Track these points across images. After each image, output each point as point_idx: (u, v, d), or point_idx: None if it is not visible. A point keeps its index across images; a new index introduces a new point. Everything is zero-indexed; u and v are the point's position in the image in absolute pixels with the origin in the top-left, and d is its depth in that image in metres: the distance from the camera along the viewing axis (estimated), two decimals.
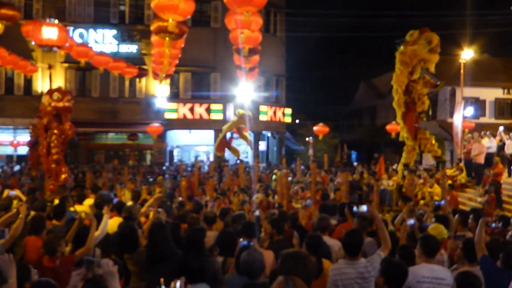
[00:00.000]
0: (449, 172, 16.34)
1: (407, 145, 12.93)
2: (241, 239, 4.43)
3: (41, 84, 24.36)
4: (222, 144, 18.90)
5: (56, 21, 8.36)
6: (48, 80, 24.74)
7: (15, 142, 24.22)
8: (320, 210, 6.82)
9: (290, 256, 2.89)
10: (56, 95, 11.69)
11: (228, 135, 19.03)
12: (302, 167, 20.78)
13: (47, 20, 8.20)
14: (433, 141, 13.07)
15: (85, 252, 4.91)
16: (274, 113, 28.77)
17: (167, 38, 8.93)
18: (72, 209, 6.67)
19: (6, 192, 9.42)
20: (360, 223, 5.24)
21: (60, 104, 11.69)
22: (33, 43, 8.23)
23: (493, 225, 4.28)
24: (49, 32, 8.04)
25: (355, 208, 5.18)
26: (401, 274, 3.44)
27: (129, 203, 7.48)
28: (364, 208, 5.14)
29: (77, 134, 24.91)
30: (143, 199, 8.28)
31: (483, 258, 4.07)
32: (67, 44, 9.45)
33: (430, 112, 28.68)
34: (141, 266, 4.43)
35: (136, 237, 4.73)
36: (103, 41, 25.35)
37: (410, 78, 12.42)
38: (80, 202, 7.92)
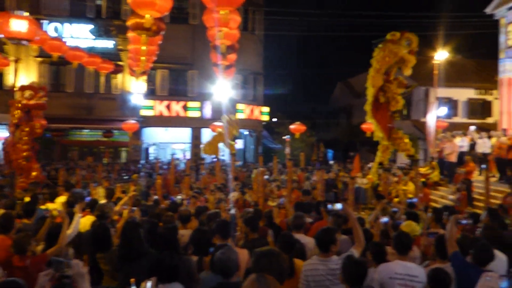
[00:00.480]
0: (422, 170, 16.63)
1: (382, 145, 13.21)
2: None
3: (13, 78, 23.74)
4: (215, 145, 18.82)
5: (26, 14, 8.13)
6: (22, 75, 24.17)
7: None
8: (296, 208, 6.85)
9: (263, 254, 2.89)
10: (28, 93, 11.42)
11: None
12: (279, 165, 20.86)
13: (16, 12, 7.96)
14: (406, 140, 13.44)
15: (57, 251, 4.82)
16: (252, 111, 28.78)
17: (143, 35, 8.83)
18: (43, 207, 6.54)
19: None
20: (335, 221, 5.29)
21: (32, 102, 11.44)
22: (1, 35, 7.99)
23: (464, 221, 4.37)
24: (18, 24, 7.81)
25: (330, 206, 5.22)
26: (360, 273, 3.49)
27: (103, 201, 7.37)
28: (339, 206, 5.18)
29: (50, 130, 24.54)
30: (117, 197, 8.18)
31: (454, 254, 4.15)
32: (38, 38, 9.20)
33: (405, 112, 29.16)
34: (113, 266, 4.37)
35: (109, 236, 4.66)
36: (78, 35, 24.87)
37: (386, 78, 12.64)
38: (52, 200, 7.76)
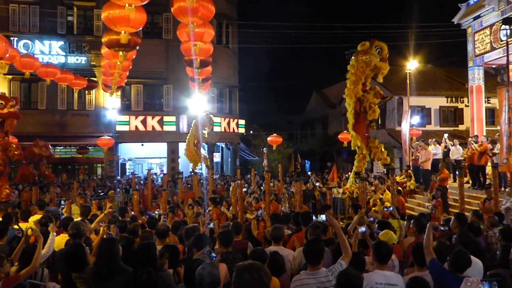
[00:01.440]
0: (398, 178, 16.86)
1: (358, 154, 13.32)
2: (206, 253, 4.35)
3: None
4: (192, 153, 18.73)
5: None
6: None
7: None
8: (272, 219, 6.81)
9: (245, 269, 2.85)
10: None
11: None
12: (257, 177, 20.83)
13: None
14: (382, 149, 13.62)
15: (31, 271, 4.69)
16: (228, 124, 28.77)
17: (120, 52, 8.76)
18: (16, 226, 6.35)
19: None
20: (313, 232, 5.28)
21: (5, 111, 11.22)
22: None
23: (441, 228, 4.42)
24: None
25: (314, 218, 5.19)
26: (357, 285, 3.45)
27: (78, 218, 7.21)
28: (322, 217, 5.17)
29: (22, 148, 23.98)
30: (92, 214, 8.01)
31: (431, 262, 4.18)
32: (8, 55, 9.04)
33: (380, 121, 29.62)
34: (89, 285, 4.25)
35: (84, 255, 4.53)
36: (50, 52, 24.53)
37: (363, 88, 12.81)
38: (25, 219, 7.55)
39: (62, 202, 11.17)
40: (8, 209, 8.80)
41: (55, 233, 5.28)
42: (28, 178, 17.66)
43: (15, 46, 21.43)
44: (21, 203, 14.27)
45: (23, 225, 6.90)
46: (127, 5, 6.28)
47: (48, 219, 6.63)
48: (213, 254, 4.26)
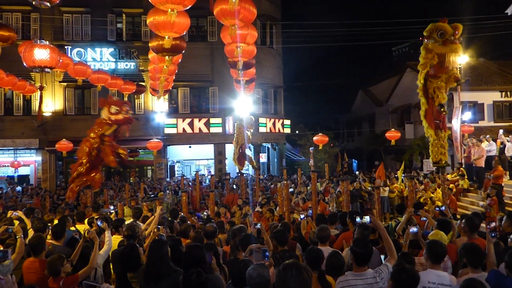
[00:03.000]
0: (450, 177, 16.32)
1: (431, 143, 12.32)
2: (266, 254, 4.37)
3: (39, 104, 24.44)
4: (240, 157, 18.91)
5: (47, 42, 8.40)
6: (48, 100, 24.87)
7: (15, 162, 24.21)
8: (317, 220, 6.78)
9: (286, 267, 2.87)
10: (114, 108, 11.63)
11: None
12: (304, 177, 20.76)
13: (38, 41, 8.23)
14: (443, 145, 12.31)
15: (88, 271, 4.90)
16: (274, 124, 28.81)
17: (167, 57, 8.98)
18: (73, 228, 6.64)
19: (10, 213, 9.50)
20: (361, 233, 5.22)
21: (120, 116, 11.64)
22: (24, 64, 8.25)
23: (492, 234, 4.25)
24: (41, 53, 8.07)
25: (358, 219, 5.13)
26: (412, 281, 3.39)
27: (129, 220, 7.46)
28: (367, 219, 5.10)
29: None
30: (144, 216, 8.27)
31: (491, 272, 4.06)
32: (60, 63, 9.47)
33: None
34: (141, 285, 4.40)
35: (138, 255, 4.69)
36: (101, 59, 25.48)
37: (429, 74, 11.91)
38: (81, 220, 7.89)
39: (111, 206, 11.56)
40: (66, 212, 9.25)
41: (110, 234, 5.49)
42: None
43: (69, 55, 22.43)
44: (78, 206, 14.92)
45: (79, 227, 7.22)
46: (169, 10, 6.43)
47: (104, 220, 6.92)
48: (267, 253, 4.25)
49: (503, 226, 5.90)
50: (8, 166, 25.41)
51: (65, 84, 25.01)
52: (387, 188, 15.58)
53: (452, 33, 10.42)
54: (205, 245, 4.96)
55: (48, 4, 7.09)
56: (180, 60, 11.98)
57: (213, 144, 27.23)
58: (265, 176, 25.71)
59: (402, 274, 3.37)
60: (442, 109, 11.03)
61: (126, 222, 6.67)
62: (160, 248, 4.30)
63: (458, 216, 7.80)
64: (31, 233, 6.21)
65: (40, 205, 16.31)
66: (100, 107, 12.77)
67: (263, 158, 30.84)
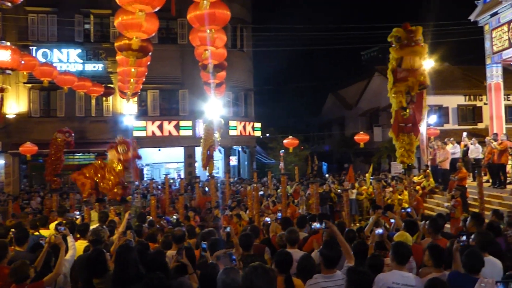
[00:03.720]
0: (416, 179, 16.68)
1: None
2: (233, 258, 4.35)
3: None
4: (207, 160, 18.79)
5: (9, 43, 8.17)
6: (12, 101, 24.15)
7: None
8: (283, 223, 6.81)
9: (252, 270, 2.86)
10: (121, 148, 11.59)
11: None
12: (274, 180, 20.83)
13: (0, 42, 8.00)
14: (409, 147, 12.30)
15: (54, 277, 4.78)
16: (244, 127, 28.83)
17: (131, 58, 8.88)
18: (36, 233, 6.45)
19: None
20: (330, 235, 5.27)
21: (129, 155, 11.60)
22: None
23: (459, 239, 4.37)
24: (2, 54, 7.85)
25: (317, 226, 5.18)
26: (366, 283, 3.47)
27: (95, 225, 7.30)
28: (321, 225, 5.17)
29: (42, 155, 24.41)
30: (110, 220, 8.12)
31: (451, 273, 4.18)
32: (22, 65, 9.23)
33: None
34: None
35: (105, 261, 4.60)
36: (68, 60, 24.93)
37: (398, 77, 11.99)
38: (45, 225, 7.68)
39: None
40: (29, 216, 8.99)
41: (73, 240, 5.35)
42: (52, 185, 18.05)
43: (34, 55, 21.86)
44: (43, 210, 14.53)
45: (44, 232, 7.03)
46: (138, 11, 6.36)
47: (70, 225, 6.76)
48: (234, 257, 4.25)
49: (468, 227, 6.07)
50: None
51: (30, 85, 24.33)
52: (354, 191, 15.81)
53: (406, 36, 10.61)
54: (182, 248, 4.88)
55: (9, 4, 6.90)
56: (149, 62, 11.86)
57: (183, 147, 27.02)
58: (235, 179, 25.67)
59: (354, 275, 3.46)
60: (402, 112, 11.21)
61: (92, 227, 6.52)
62: (127, 253, 4.22)
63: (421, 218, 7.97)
64: None
65: (20, 210, 15.90)
66: (106, 152, 12.73)
67: (233, 161, 30.80)
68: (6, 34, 23.16)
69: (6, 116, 22.75)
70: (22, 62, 8.79)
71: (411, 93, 10.67)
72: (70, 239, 5.39)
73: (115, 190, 11.89)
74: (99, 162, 12.44)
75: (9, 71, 8.23)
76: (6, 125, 23.62)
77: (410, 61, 10.72)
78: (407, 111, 10.72)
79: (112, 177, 11.84)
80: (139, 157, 12.09)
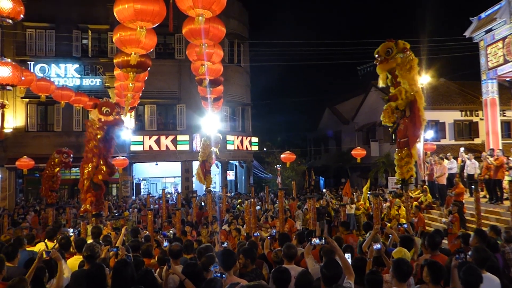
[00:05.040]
0: (413, 194, 16.67)
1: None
2: (213, 269, 4.33)
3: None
4: (204, 174, 18.75)
5: (9, 60, 8.20)
6: (9, 116, 24.13)
7: None
8: (280, 240, 6.75)
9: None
10: (105, 109, 11.34)
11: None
12: (271, 195, 20.78)
13: (1, 59, 8.03)
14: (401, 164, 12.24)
15: None
16: (241, 142, 28.85)
17: (131, 73, 8.92)
18: (29, 249, 6.38)
19: None
20: (326, 251, 5.25)
21: (111, 118, 11.35)
22: None
23: (457, 256, 4.34)
24: (2, 71, 7.87)
25: (317, 241, 5.14)
26: None
27: (90, 240, 7.24)
28: (321, 241, 5.12)
29: (39, 170, 24.30)
30: (106, 234, 8.06)
31: None
32: (22, 81, 9.25)
33: (393, 136, 29.37)
34: None
35: (105, 276, 4.52)
36: (65, 75, 25.01)
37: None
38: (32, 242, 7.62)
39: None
40: (24, 231, 8.92)
41: (62, 260, 5.22)
42: (48, 199, 17.93)
43: (32, 70, 21.93)
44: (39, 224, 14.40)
45: (40, 247, 6.97)
46: (138, 28, 6.41)
47: (65, 241, 6.70)
48: (219, 274, 4.21)
49: (471, 243, 6.04)
50: None
51: (27, 100, 24.40)
52: (353, 206, 15.77)
53: (384, 52, 10.68)
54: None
55: (10, 21, 6.95)
56: (147, 77, 11.91)
57: (180, 162, 26.99)
58: (232, 193, 25.61)
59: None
60: (389, 129, 11.37)
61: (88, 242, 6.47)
62: (125, 269, 4.18)
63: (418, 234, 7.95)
64: None
65: (39, 223, 15.84)
66: (89, 110, 12.46)
67: (230, 175, 30.76)
68: (4, 49, 23.30)
69: (4, 130, 22.69)
70: (23, 78, 8.82)
71: (400, 108, 10.68)
72: (60, 264, 5.24)
73: (103, 170, 11.73)
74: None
75: (10, 87, 8.24)
76: (3, 140, 23.57)
77: (384, 77, 10.84)
78: (392, 128, 10.87)
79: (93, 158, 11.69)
80: (120, 123, 11.84)
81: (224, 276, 4.24)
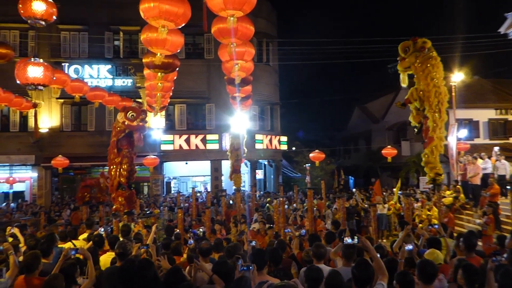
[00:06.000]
0: (446, 194, 16.31)
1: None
2: (239, 263, 4.32)
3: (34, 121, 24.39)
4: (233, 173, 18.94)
5: (41, 60, 8.43)
6: (45, 116, 24.86)
7: (11, 179, 24.10)
8: (310, 240, 6.71)
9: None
10: (130, 113, 11.66)
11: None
12: (300, 194, 20.71)
13: (32, 59, 8.26)
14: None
15: (90, 285, 4.85)
16: (270, 141, 28.85)
17: (159, 73, 9.03)
18: (60, 245, 6.54)
19: (8, 229, 9.47)
20: (345, 253, 5.17)
21: (134, 123, 11.67)
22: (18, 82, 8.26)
23: (494, 259, 4.20)
24: (34, 71, 8.10)
25: (349, 240, 5.07)
26: None
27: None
28: (353, 240, 5.06)
29: (73, 168, 24.95)
30: (137, 232, 8.20)
31: None
32: (53, 81, 9.49)
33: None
34: None
35: (135, 272, 4.55)
36: (98, 75, 25.58)
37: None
38: (74, 237, 7.82)
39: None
40: (60, 228, 9.17)
41: (90, 257, 5.31)
42: (84, 200, 18.32)
43: (66, 72, 22.50)
44: (71, 223, 14.76)
45: (76, 243, 7.17)
46: (160, 27, 6.48)
47: (98, 238, 6.87)
48: (245, 267, 4.18)
49: (508, 245, 5.88)
50: (3, 182, 25.28)
51: (62, 100, 25.06)
52: (386, 205, 15.54)
53: (403, 50, 10.61)
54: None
55: (43, 23, 7.15)
56: (176, 77, 12.04)
57: (209, 161, 27.21)
58: (261, 192, 25.65)
59: None
60: (415, 129, 11.38)
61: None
62: (148, 269, 4.20)
63: (455, 234, 7.76)
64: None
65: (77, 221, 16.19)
66: (119, 110, 12.81)
67: (259, 174, 30.79)
68: (39, 52, 23.99)
69: (40, 131, 23.39)
70: (54, 78, 9.04)
71: (420, 108, 10.67)
72: (90, 261, 5.34)
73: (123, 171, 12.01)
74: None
75: (41, 87, 8.47)
76: (39, 139, 24.29)
77: (403, 76, 10.76)
78: (418, 126, 10.82)
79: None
80: (143, 129, 12.10)
81: (251, 267, 4.23)
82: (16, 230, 9.09)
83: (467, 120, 26.53)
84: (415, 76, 10.60)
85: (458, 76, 22.03)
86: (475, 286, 4.18)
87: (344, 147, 42.67)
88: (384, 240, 14.27)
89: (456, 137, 18.77)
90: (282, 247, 6.44)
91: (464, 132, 23.11)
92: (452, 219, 12.84)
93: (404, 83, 10.85)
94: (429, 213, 13.87)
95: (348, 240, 4.97)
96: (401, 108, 12.32)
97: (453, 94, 21.39)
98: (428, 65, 10.37)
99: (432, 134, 10.76)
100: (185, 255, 6.72)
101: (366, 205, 15.10)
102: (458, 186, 16.47)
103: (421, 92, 10.44)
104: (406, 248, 5.36)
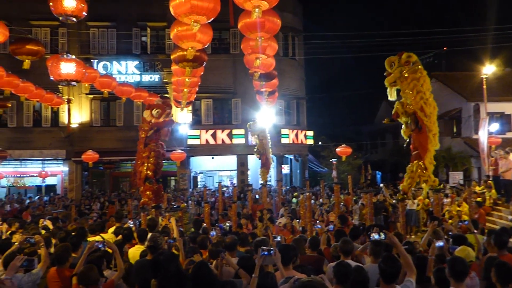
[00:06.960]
0: (477, 189, 15.95)
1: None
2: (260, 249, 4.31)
3: (67, 116, 25.01)
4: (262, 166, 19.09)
5: (73, 56, 8.60)
6: (75, 112, 25.40)
7: (43, 173, 24.79)
8: (336, 236, 6.63)
9: (304, 285, 2.83)
10: (156, 111, 11.85)
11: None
12: (326, 189, 20.59)
13: (65, 56, 8.44)
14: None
15: (120, 275, 4.97)
16: (296, 136, 28.73)
17: (187, 68, 9.10)
18: (91, 239, 6.68)
19: (41, 221, 9.75)
20: (373, 250, 5.10)
21: (161, 120, 11.87)
22: (52, 78, 8.46)
23: None
24: (67, 67, 8.27)
25: (376, 236, 5.00)
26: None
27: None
28: (381, 236, 4.99)
29: (102, 163, 25.45)
30: (165, 225, 8.30)
31: None
32: (85, 76, 9.68)
33: (455, 129, 28.19)
34: None
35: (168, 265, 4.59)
36: (126, 71, 25.96)
37: None
38: (102, 230, 7.98)
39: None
40: (89, 221, 9.37)
41: (117, 250, 5.39)
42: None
43: (95, 68, 22.93)
44: (103, 216, 15.04)
45: (105, 236, 7.30)
46: (192, 22, 6.51)
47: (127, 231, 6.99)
48: (266, 252, 4.17)
49: None
50: (36, 176, 26.01)
51: (91, 96, 25.53)
52: (416, 201, 15.26)
53: (388, 65, 10.73)
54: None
55: (74, 19, 7.29)
56: (202, 72, 12.11)
57: (235, 155, 27.30)
58: (287, 187, 25.62)
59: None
60: (404, 145, 11.49)
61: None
62: (170, 262, 4.24)
63: (486, 231, 7.56)
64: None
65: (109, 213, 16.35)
66: (145, 107, 12.94)
67: (285, 169, 30.74)
68: (69, 48, 24.47)
69: (71, 126, 23.95)
70: (86, 73, 9.24)
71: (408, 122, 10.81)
72: (118, 254, 5.42)
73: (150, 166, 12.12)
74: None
75: (74, 83, 8.66)
76: (69, 134, 24.87)
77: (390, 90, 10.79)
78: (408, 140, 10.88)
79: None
80: (169, 124, 12.17)
81: (272, 251, 4.22)
82: (48, 223, 9.36)
83: (499, 113, 25.79)
84: (401, 90, 10.67)
85: (489, 69, 21.42)
86: (510, 285, 4.07)
87: (371, 142, 42.13)
88: (413, 236, 14.05)
89: (487, 131, 18.30)
90: (315, 245, 6.36)
91: (495, 126, 22.46)
92: (483, 215, 12.54)
93: (391, 97, 10.92)
94: (459, 208, 13.58)
95: (375, 236, 4.91)
96: (390, 123, 12.55)
97: (484, 87, 20.82)
98: (414, 79, 10.37)
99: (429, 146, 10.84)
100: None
101: (394, 201, 14.89)
102: (489, 182, 16.07)
103: (410, 107, 10.50)
104: (437, 244, 5.26)
